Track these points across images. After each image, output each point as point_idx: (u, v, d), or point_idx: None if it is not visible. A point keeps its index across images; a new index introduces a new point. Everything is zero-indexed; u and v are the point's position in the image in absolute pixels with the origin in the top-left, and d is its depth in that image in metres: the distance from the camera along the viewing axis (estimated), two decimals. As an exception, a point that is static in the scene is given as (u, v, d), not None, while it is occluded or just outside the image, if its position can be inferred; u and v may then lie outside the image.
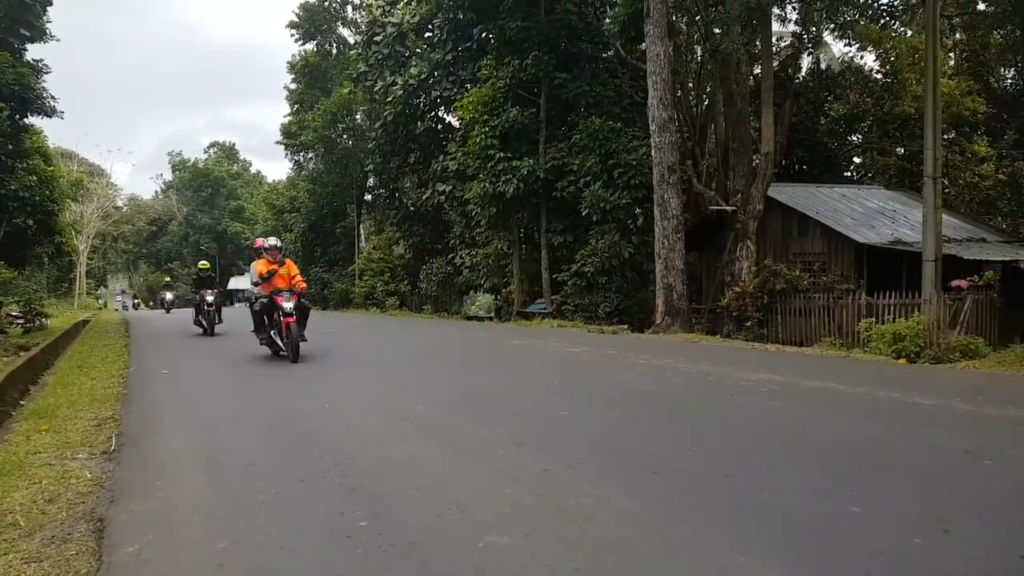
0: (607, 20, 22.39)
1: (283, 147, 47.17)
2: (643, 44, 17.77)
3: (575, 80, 21.96)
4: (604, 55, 23.40)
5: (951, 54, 24.26)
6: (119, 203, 71.76)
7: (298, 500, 4.37)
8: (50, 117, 20.74)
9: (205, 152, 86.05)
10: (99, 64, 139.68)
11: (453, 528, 3.81)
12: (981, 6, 20.99)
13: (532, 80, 22.22)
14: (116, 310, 51.37)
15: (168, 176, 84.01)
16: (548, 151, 21.58)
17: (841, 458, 5.09)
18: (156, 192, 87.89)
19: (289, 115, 47.18)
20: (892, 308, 13.64)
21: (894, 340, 11.14)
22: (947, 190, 22.18)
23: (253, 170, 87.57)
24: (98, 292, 69.55)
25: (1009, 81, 23.74)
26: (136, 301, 60.61)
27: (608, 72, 23.30)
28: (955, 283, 13.75)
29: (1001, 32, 21.29)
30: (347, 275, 40.64)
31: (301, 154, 46.33)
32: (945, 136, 21.42)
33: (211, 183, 76.57)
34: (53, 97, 20.56)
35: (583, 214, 20.11)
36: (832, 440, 5.67)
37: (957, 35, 23.48)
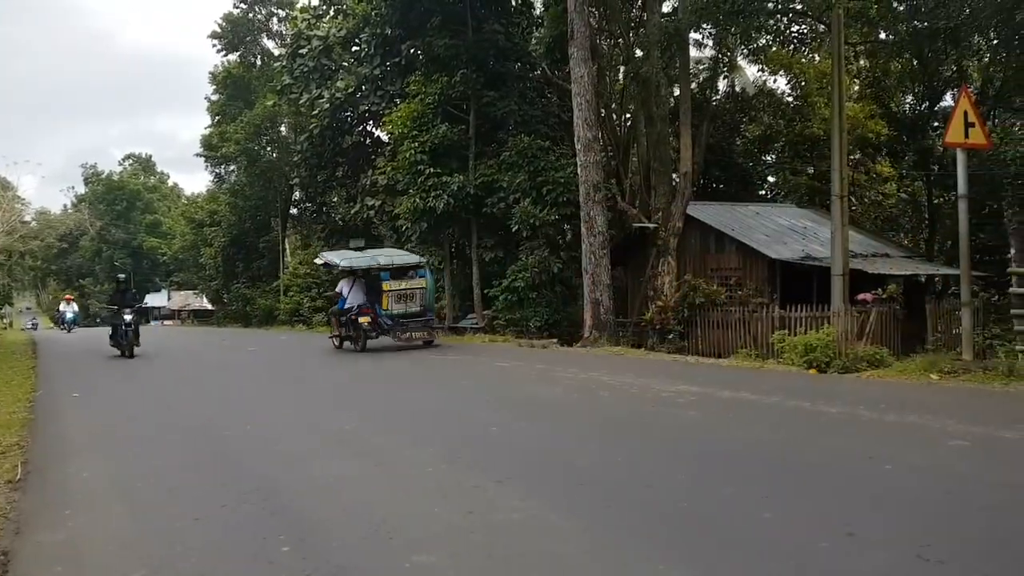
0: (533, 41, 22.78)
1: (203, 159, 45.89)
2: (568, 65, 18.19)
3: (503, 99, 22.24)
4: (531, 75, 23.79)
5: (856, 80, 25.72)
6: (27, 218, 67.92)
7: (219, 526, 4.29)
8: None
9: (120, 164, 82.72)
10: (2, 72, 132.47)
11: (379, 549, 3.81)
12: (882, 35, 22.39)
13: (461, 97, 22.38)
14: (23, 330, 48.38)
15: (80, 189, 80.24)
16: (478, 167, 21.74)
17: (754, 466, 5.35)
18: (66, 206, 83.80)
19: (210, 127, 45.95)
20: (803, 320, 14.32)
21: (805, 351, 11.65)
22: (853, 208, 23.45)
23: (171, 183, 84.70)
24: (2, 311, 65.47)
25: (908, 106, 25.35)
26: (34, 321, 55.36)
27: (536, 91, 23.70)
28: (861, 296, 14.56)
29: (900, 60, 22.75)
30: (271, 291, 39.69)
31: (222, 166, 45.16)
32: (851, 157, 22.66)
33: (126, 196, 73.55)
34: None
35: (513, 230, 20.32)
36: (745, 448, 5.94)
37: (861, 62, 24.95)
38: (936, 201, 23.17)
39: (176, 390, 10.51)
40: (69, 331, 32.25)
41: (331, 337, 18.24)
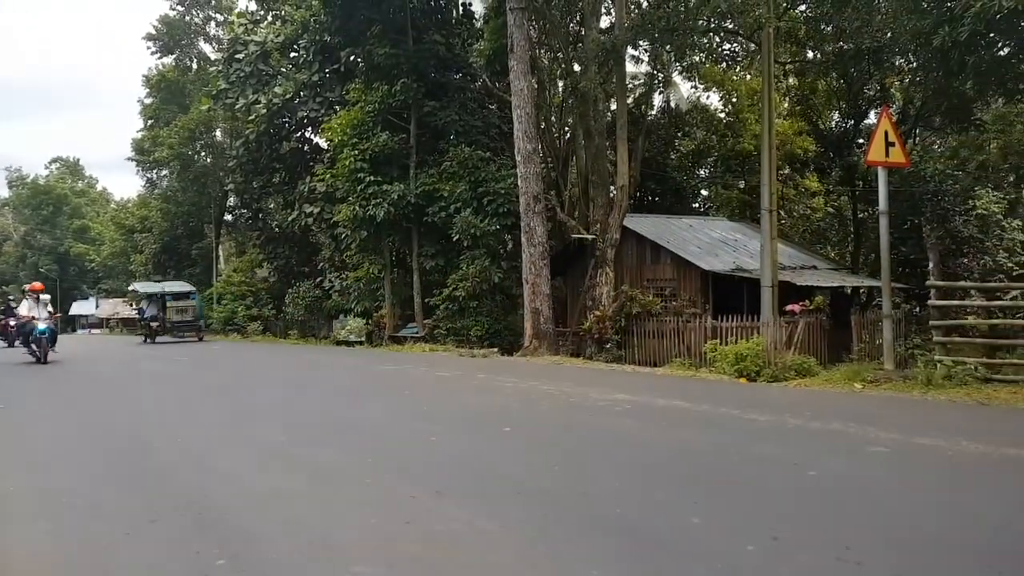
0: (474, 53, 22.88)
1: (134, 164, 44.44)
2: (508, 78, 18.34)
3: (444, 108, 22.26)
4: (472, 86, 23.88)
5: (785, 97, 26.68)
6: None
7: (151, 541, 4.17)
8: None
9: (46, 168, 79.37)
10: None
11: (317, 562, 3.77)
12: (810, 55, 23.33)
13: (401, 106, 22.31)
14: None
15: (3, 192, 76.65)
16: (419, 176, 21.68)
17: (685, 472, 5.49)
18: (-13, 210, 79.80)
19: (142, 130, 44.59)
20: (734, 330, 14.73)
21: (736, 360, 12.02)
22: (783, 221, 24.30)
23: (99, 187, 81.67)
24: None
25: (834, 123, 26.41)
26: None
27: (476, 102, 23.80)
28: (789, 307, 15.06)
29: (826, 79, 23.72)
30: (204, 299, 38.63)
31: (154, 171, 43.86)
32: (780, 172, 23.48)
33: (53, 201, 70.57)
34: None
35: (454, 239, 20.32)
36: (677, 455, 6.09)
37: (790, 80, 25.90)
38: (861, 215, 24.13)
39: (102, 401, 10.11)
40: (43, 359, 16.47)
41: (139, 334, 32.16)
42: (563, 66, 23.12)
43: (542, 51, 23.14)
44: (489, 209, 19.96)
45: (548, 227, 18.39)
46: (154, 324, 28.52)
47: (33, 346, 16.77)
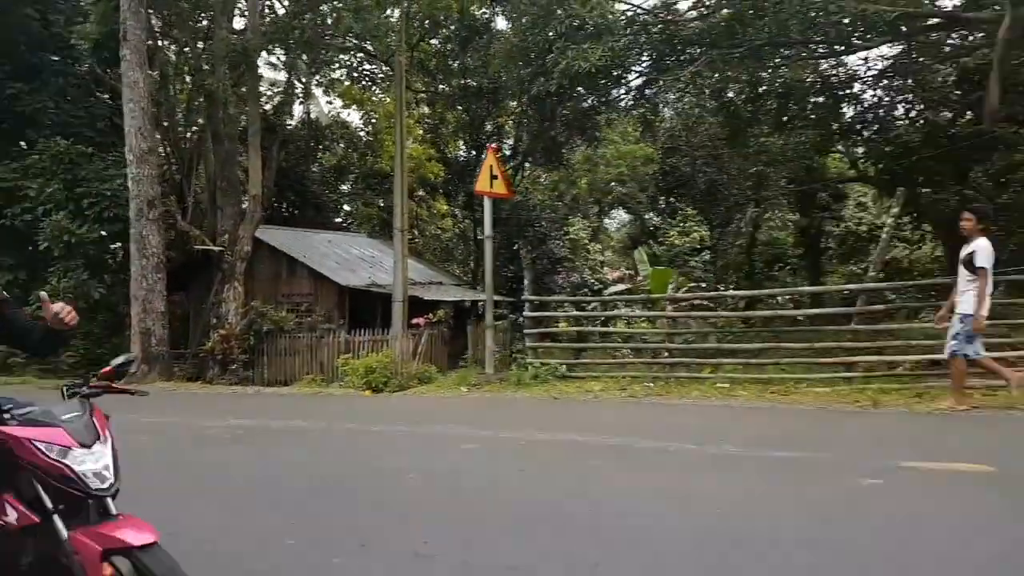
0: (75, 36, 19.83)
1: None
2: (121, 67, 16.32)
3: (35, 92, 18.98)
4: (78, 70, 20.75)
5: (418, 124, 28.21)
6: None
7: None
8: None
9: None
10: None
11: None
12: (441, 87, 25.08)
13: (-29, 84, 18.42)
14: None
15: None
16: (-6, 170, 18.06)
17: (286, 493, 5.34)
18: None
19: None
20: (367, 344, 15.07)
21: (366, 373, 12.25)
22: (416, 240, 25.63)
23: None
24: None
25: (460, 153, 28.75)
26: None
27: (81, 89, 20.73)
28: (415, 320, 15.91)
29: (454, 112, 25.71)
30: None
31: None
32: (415, 194, 24.73)
33: None
34: None
35: (42, 248, 17.30)
36: (281, 477, 5.89)
37: (423, 108, 27.51)
38: (480, 237, 26.51)
39: None
40: None
41: None
42: (191, 62, 21.32)
43: (167, 42, 21.09)
44: (90, 214, 17.40)
45: (167, 236, 16.77)
46: None
47: None
